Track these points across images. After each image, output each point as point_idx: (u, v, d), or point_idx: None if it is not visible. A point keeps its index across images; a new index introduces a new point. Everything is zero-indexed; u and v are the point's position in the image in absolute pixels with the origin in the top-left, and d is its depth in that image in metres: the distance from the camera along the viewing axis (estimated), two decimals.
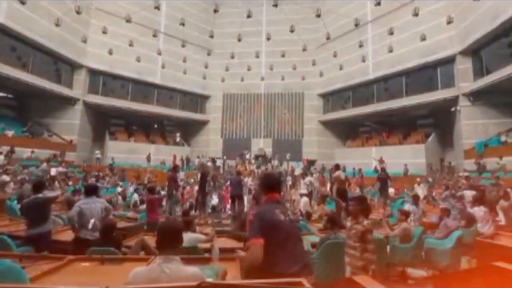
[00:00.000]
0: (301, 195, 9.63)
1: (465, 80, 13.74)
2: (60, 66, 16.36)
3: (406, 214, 4.40)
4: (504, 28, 11.47)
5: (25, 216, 3.86)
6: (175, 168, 8.14)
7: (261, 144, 20.81)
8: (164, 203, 7.59)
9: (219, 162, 18.57)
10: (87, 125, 18.01)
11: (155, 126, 22.08)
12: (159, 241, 1.51)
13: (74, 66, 16.97)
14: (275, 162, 18.12)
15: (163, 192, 8.43)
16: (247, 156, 19.22)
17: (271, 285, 1.23)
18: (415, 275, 4.10)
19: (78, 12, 11.86)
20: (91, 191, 3.75)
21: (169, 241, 1.48)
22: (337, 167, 7.94)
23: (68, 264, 2.22)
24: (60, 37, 14.96)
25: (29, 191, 4.68)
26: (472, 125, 13.54)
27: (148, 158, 18.02)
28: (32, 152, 13.57)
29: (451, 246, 3.74)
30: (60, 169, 12.34)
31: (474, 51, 13.56)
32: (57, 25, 12.21)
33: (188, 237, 3.09)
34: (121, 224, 4.65)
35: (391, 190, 10.14)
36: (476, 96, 13.45)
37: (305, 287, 1.27)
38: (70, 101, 16.72)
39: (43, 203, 3.63)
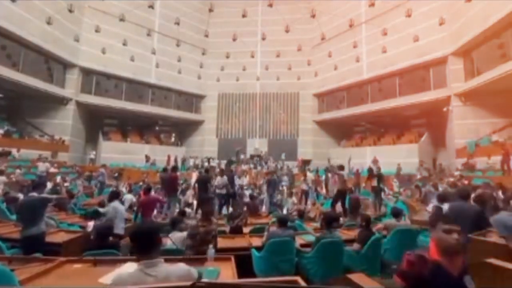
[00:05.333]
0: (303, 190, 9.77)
1: (457, 81, 13.96)
2: (52, 65, 16.08)
3: (396, 213, 4.46)
4: (495, 30, 11.70)
5: (19, 216, 3.78)
6: (173, 169, 8.07)
7: (257, 144, 20.82)
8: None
9: (213, 162, 18.50)
10: (80, 125, 17.76)
11: (156, 128, 21.95)
12: (135, 247, 1.43)
13: (66, 65, 16.71)
14: (271, 163, 18.13)
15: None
16: (242, 156, 19.19)
17: (266, 284, 1.23)
18: None
19: (70, 11, 11.68)
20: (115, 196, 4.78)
21: (144, 246, 1.40)
22: (341, 167, 7.99)
23: (59, 266, 2.18)
24: (52, 36, 14.72)
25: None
26: (464, 125, 13.77)
27: (147, 159, 17.91)
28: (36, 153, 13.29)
29: None
30: (52, 169, 12.17)
31: (465, 52, 13.78)
32: (49, 23, 12.02)
33: (173, 236, 3.07)
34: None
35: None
36: (467, 96, 13.68)
37: (300, 286, 1.27)
38: (62, 101, 16.46)
39: (38, 202, 3.55)
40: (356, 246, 3.58)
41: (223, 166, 17.19)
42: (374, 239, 3.55)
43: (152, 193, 6.78)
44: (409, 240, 3.95)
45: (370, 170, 10.47)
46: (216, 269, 2.14)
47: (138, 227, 1.55)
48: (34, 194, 3.60)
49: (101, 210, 5.15)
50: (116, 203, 4.60)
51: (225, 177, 8.00)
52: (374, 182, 8.38)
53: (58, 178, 10.56)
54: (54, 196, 4.03)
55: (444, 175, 13.29)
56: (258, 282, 1.24)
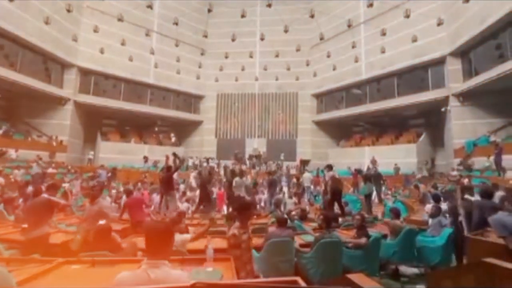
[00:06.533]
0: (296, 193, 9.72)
1: (455, 81, 14.02)
2: (50, 65, 16.02)
3: (397, 213, 4.47)
4: (492, 31, 11.76)
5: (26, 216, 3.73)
6: (168, 168, 8.02)
7: (255, 145, 20.80)
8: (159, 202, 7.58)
9: (212, 163, 18.49)
10: (78, 125, 17.69)
11: (155, 128, 21.91)
12: (147, 245, 1.42)
13: (64, 66, 16.64)
14: (271, 163, 18.11)
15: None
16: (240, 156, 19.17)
17: (265, 284, 1.22)
18: (407, 273, 4.15)
19: (68, 11, 11.63)
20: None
21: (157, 244, 1.40)
22: (329, 167, 8.03)
23: (57, 267, 2.16)
24: (50, 35, 14.66)
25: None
26: (462, 125, 13.82)
27: (146, 160, 17.82)
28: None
29: (443, 243, 3.81)
30: (51, 170, 12.12)
31: (463, 53, 13.84)
32: (47, 23, 11.97)
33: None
34: (113, 226, 4.57)
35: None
36: (465, 97, 13.74)
37: (300, 286, 1.26)
38: (60, 101, 16.39)
39: (45, 204, 3.49)
40: (364, 240, 3.60)
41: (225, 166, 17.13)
42: (373, 239, 3.56)
43: (135, 193, 6.75)
44: (412, 241, 3.97)
45: (360, 171, 10.54)
46: (217, 271, 2.11)
47: (156, 224, 1.52)
48: (45, 195, 3.56)
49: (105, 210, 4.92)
50: (103, 203, 4.13)
51: (244, 178, 7.35)
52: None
53: (67, 186, 9.92)
54: (62, 201, 3.94)
55: (442, 175, 13.33)
56: (258, 283, 1.23)
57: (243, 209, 2.75)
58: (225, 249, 3.17)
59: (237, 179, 7.41)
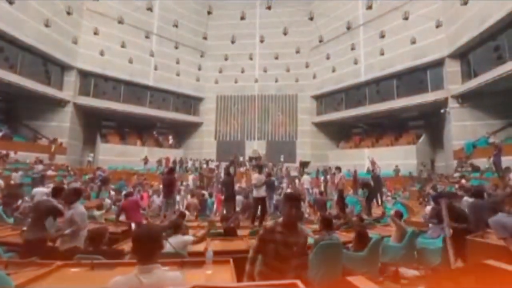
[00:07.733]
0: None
1: (454, 83, 14.05)
2: (50, 67, 16.03)
3: (399, 215, 4.46)
4: (491, 32, 11.80)
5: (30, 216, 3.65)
6: (170, 171, 8.01)
7: (255, 146, 20.82)
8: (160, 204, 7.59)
9: (212, 165, 18.46)
10: (77, 127, 17.68)
11: (155, 130, 21.91)
12: (135, 250, 1.40)
13: (64, 68, 16.66)
14: (270, 165, 18.06)
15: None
16: (241, 159, 19.15)
17: (265, 287, 1.22)
18: (407, 275, 4.14)
19: (68, 13, 11.68)
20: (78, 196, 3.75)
21: (145, 249, 1.38)
22: (339, 169, 8.14)
23: (56, 270, 2.15)
24: (50, 38, 14.69)
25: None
26: (461, 126, 13.84)
27: (146, 161, 17.78)
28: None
29: (442, 245, 3.80)
30: (50, 172, 12.10)
31: (462, 54, 13.89)
32: (47, 25, 12.00)
33: (176, 240, 3.06)
34: (111, 229, 4.55)
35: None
36: (464, 98, 13.76)
37: None
38: (60, 103, 16.39)
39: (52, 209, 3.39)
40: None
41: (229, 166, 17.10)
42: (373, 241, 3.55)
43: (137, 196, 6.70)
44: (414, 243, 3.96)
45: (355, 176, 10.62)
46: None
47: (144, 230, 1.50)
48: (51, 199, 3.52)
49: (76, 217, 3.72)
50: (78, 209, 3.42)
51: (263, 175, 6.42)
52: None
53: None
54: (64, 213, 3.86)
55: (442, 176, 13.32)
56: (258, 286, 1.23)
57: (287, 200, 2.02)
58: (225, 251, 3.17)
59: (256, 175, 6.28)
